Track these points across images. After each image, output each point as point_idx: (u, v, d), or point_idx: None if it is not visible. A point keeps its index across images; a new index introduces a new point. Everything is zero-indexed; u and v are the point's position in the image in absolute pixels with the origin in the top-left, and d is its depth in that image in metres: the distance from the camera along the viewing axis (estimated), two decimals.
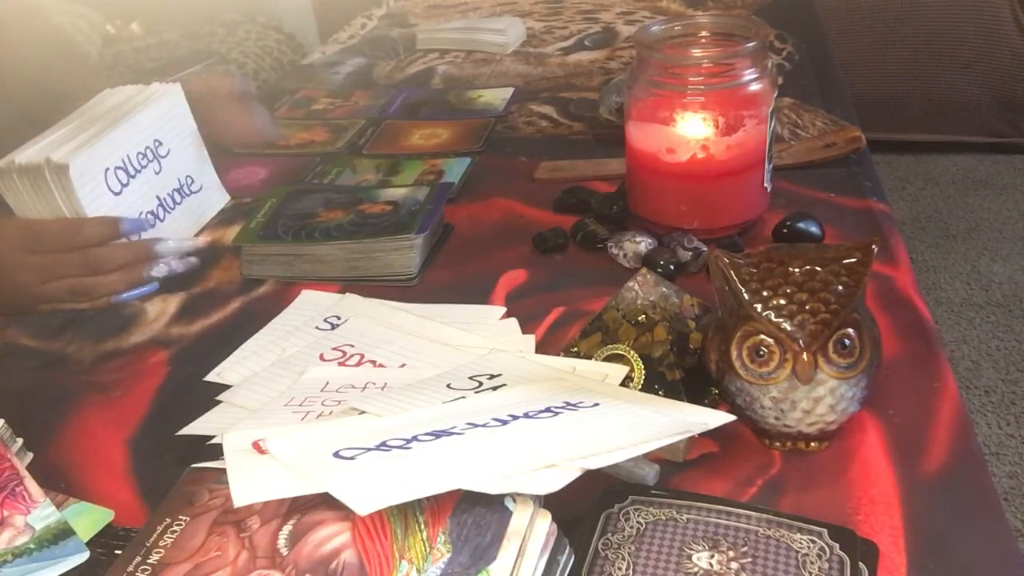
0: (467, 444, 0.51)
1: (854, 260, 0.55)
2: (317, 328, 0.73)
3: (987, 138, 2.55)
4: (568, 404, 0.55)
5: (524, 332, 0.71)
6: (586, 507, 0.51)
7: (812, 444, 0.57)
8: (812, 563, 0.47)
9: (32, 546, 0.53)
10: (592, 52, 1.35)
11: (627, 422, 0.53)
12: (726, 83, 0.76)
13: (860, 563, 0.48)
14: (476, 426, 0.52)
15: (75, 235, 0.77)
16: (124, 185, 0.83)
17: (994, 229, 2.26)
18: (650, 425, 0.52)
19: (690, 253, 0.76)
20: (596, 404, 0.54)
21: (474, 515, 0.47)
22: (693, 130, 0.77)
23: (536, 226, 0.85)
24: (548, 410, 0.54)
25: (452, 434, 0.52)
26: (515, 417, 0.53)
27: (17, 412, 0.62)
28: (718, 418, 0.53)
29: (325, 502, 0.48)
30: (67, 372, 0.73)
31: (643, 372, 0.61)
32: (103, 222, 0.79)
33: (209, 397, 0.66)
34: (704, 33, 0.82)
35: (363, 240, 0.80)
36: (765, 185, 0.81)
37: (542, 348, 0.69)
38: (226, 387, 0.67)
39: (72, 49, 1.00)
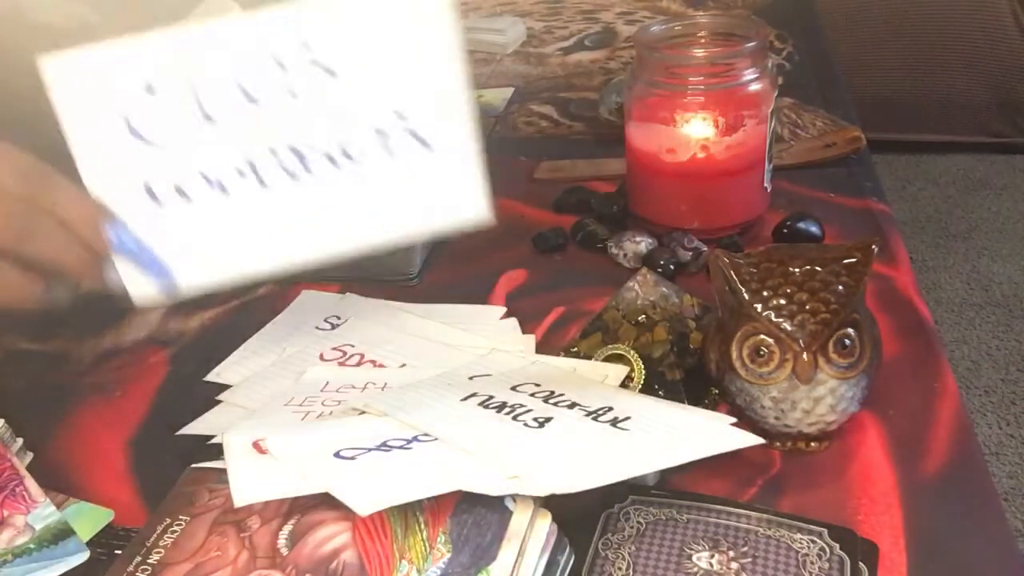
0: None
1: (854, 260, 0.55)
2: (317, 328, 0.73)
3: (987, 138, 2.55)
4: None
5: (524, 332, 0.71)
6: (586, 507, 0.51)
7: (812, 444, 0.57)
8: (812, 563, 0.47)
9: (32, 546, 0.53)
10: (592, 52, 1.35)
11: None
12: (726, 83, 0.76)
13: (860, 563, 0.48)
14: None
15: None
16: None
17: (994, 229, 2.27)
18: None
19: (690, 253, 0.76)
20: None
21: (474, 515, 0.47)
22: (693, 130, 0.77)
23: (536, 226, 0.85)
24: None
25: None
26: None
27: (17, 412, 0.62)
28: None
29: (325, 502, 0.48)
30: (67, 372, 0.73)
31: (643, 372, 0.61)
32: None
33: (209, 397, 0.66)
34: (704, 33, 0.82)
35: None
36: (765, 185, 0.81)
37: (542, 348, 0.69)
38: (226, 387, 0.67)
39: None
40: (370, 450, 0.51)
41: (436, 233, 0.57)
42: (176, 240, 0.55)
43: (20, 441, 0.61)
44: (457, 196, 0.56)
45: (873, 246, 0.56)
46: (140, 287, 0.55)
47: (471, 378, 0.62)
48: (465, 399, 0.56)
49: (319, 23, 0.52)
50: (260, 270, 0.57)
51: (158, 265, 0.55)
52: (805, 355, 0.54)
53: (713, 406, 0.60)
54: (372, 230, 0.56)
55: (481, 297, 0.77)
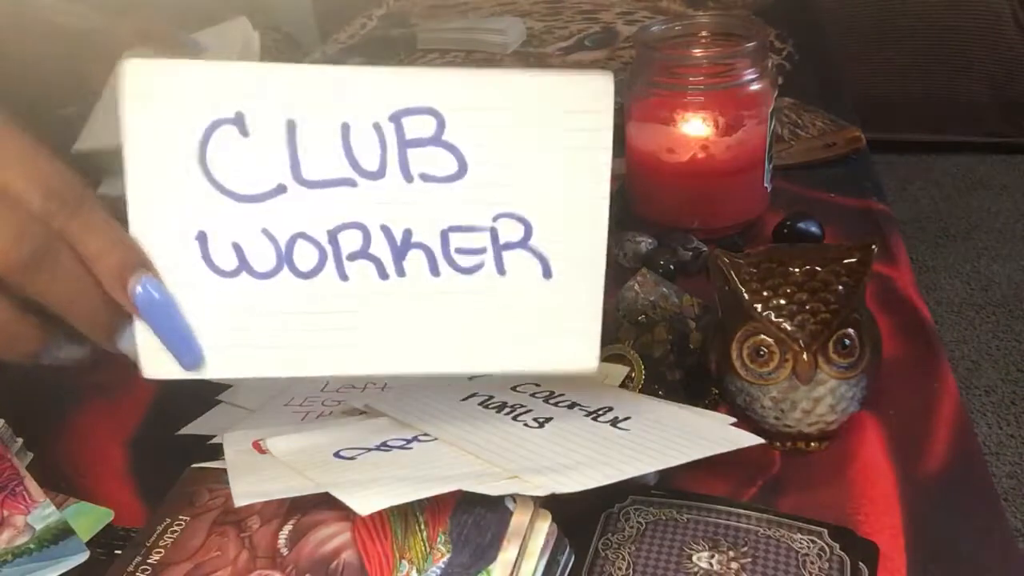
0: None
1: (854, 260, 0.55)
2: None
3: (987, 138, 2.55)
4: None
5: None
6: (586, 507, 0.51)
7: (812, 444, 0.57)
8: (812, 563, 0.47)
9: (32, 546, 0.53)
10: (592, 52, 1.35)
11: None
12: (726, 83, 0.76)
13: (860, 563, 0.48)
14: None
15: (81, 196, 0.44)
16: None
17: (994, 229, 2.26)
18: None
19: (690, 253, 0.76)
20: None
21: (474, 515, 0.47)
22: (693, 130, 0.77)
23: None
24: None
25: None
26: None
27: (17, 412, 0.62)
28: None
29: (325, 502, 0.48)
30: (67, 372, 0.73)
31: (643, 372, 0.61)
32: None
33: (209, 397, 0.66)
34: (704, 33, 0.82)
35: None
36: (765, 185, 0.81)
37: None
38: (226, 387, 0.67)
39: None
40: (370, 450, 0.51)
41: (526, 372, 0.48)
42: (217, 313, 0.45)
43: (20, 441, 0.61)
44: (564, 338, 0.47)
45: (873, 246, 0.56)
46: (155, 359, 0.45)
47: (471, 378, 0.62)
48: (465, 399, 0.56)
49: (459, 98, 0.43)
50: (307, 373, 0.47)
51: (185, 337, 0.45)
52: (805, 355, 0.54)
53: (713, 406, 0.60)
54: (454, 356, 0.47)
55: None
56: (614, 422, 0.53)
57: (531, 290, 0.46)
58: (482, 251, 0.45)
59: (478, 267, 0.45)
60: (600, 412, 0.54)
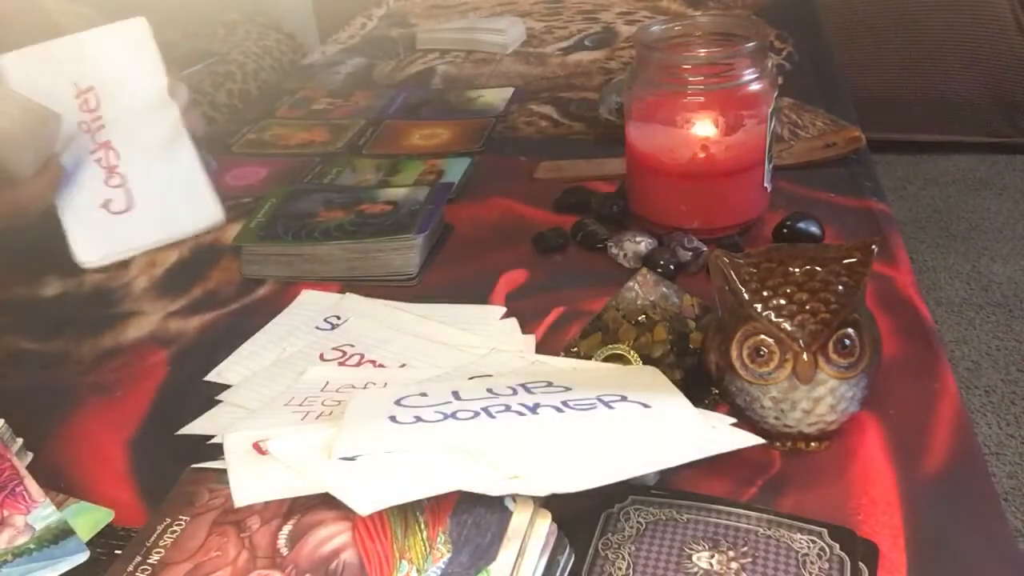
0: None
1: (854, 260, 0.55)
2: (317, 328, 0.73)
3: (987, 138, 2.54)
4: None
5: (524, 332, 0.71)
6: (586, 507, 0.51)
7: (812, 444, 0.57)
8: (812, 563, 0.47)
9: (32, 546, 0.53)
10: (592, 52, 1.35)
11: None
12: (726, 83, 0.76)
13: (860, 563, 0.48)
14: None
15: None
16: None
17: (994, 229, 2.26)
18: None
19: (690, 253, 0.76)
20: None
21: (474, 515, 0.47)
22: (693, 130, 0.77)
23: (536, 226, 0.85)
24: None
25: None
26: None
27: (17, 412, 0.62)
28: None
29: (325, 502, 0.48)
30: (67, 372, 0.73)
31: None
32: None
33: (209, 397, 0.66)
34: (704, 33, 0.82)
35: (363, 240, 0.80)
36: (765, 185, 0.81)
37: (542, 348, 0.69)
38: (226, 387, 0.67)
39: None
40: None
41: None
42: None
43: (20, 441, 0.61)
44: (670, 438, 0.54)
45: (873, 246, 0.56)
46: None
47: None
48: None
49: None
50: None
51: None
52: (805, 355, 0.54)
53: (713, 406, 0.60)
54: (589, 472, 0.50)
55: (481, 297, 0.77)
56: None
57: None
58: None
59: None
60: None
